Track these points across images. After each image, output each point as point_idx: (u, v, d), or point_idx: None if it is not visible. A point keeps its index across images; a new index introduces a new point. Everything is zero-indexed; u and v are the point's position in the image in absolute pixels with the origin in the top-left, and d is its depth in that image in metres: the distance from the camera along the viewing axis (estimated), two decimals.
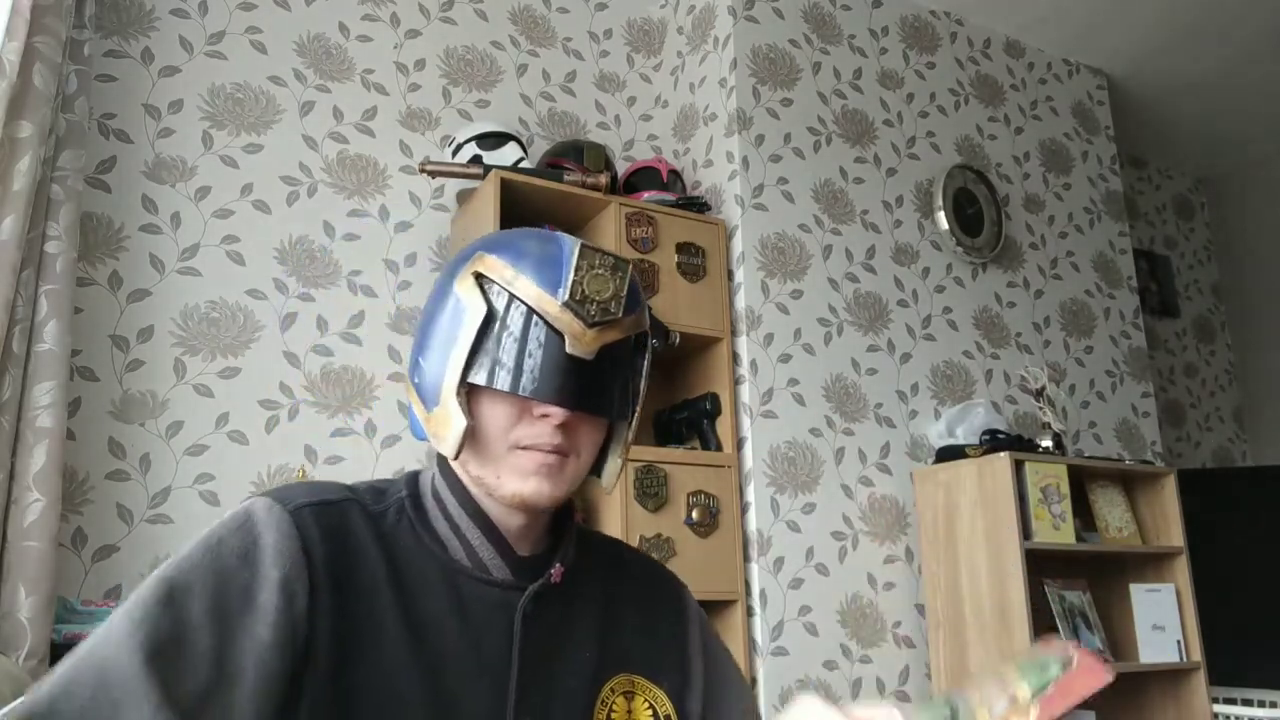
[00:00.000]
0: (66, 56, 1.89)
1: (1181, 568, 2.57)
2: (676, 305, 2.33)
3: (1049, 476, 2.36)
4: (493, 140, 2.32)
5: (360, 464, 2.17)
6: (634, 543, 2.05)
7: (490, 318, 0.75)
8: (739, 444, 2.35)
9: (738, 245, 2.49)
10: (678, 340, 2.27)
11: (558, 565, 0.81)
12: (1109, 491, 2.64)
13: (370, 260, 2.31)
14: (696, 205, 2.49)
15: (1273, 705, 2.77)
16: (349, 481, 0.82)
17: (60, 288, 1.79)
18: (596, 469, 0.84)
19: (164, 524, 1.93)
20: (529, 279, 0.75)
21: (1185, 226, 4.26)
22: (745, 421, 2.35)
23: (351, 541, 0.74)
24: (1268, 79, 3.55)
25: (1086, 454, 2.86)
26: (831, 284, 2.60)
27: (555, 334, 0.74)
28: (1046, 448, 2.54)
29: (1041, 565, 2.38)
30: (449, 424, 0.76)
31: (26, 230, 1.74)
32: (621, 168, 2.64)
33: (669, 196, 2.46)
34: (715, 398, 2.34)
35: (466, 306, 0.76)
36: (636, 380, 0.83)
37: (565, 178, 2.28)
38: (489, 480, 0.77)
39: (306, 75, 2.34)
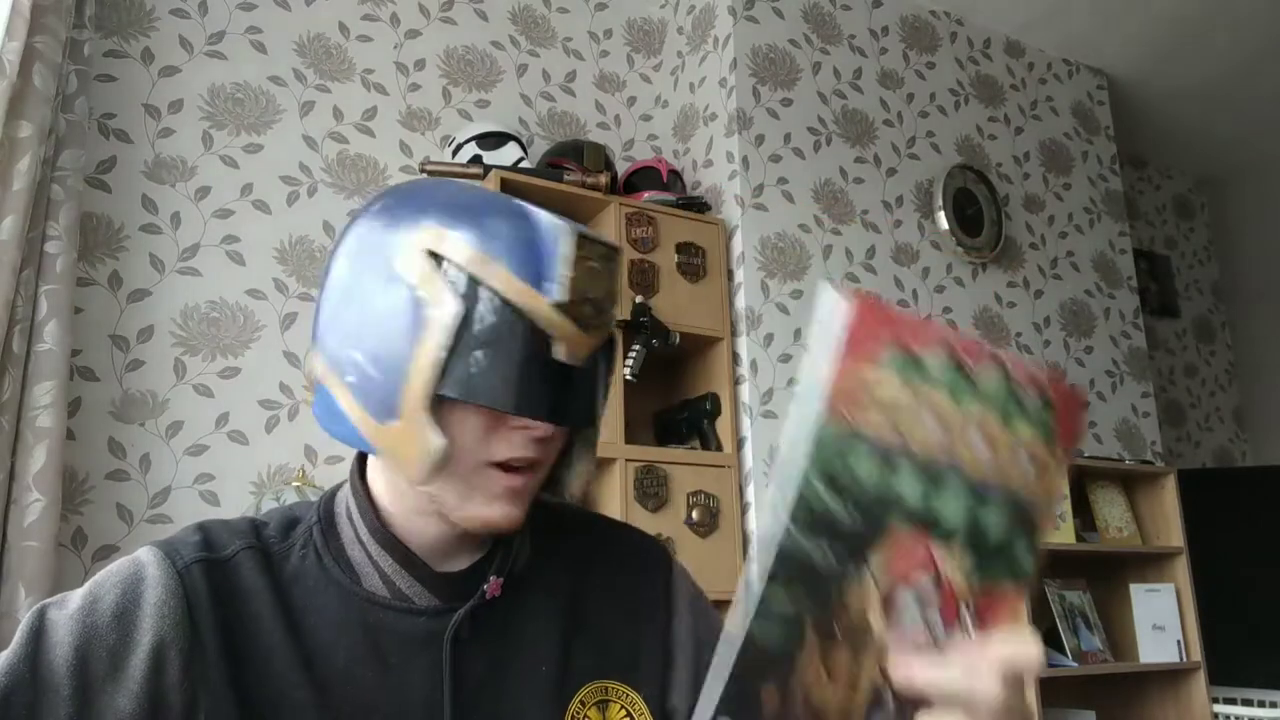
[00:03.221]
0: (66, 56, 1.89)
1: (1181, 568, 2.57)
2: (676, 305, 2.33)
3: None
4: (493, 140, 2.32)
5: None
6: None
7: (463, 317, 0.62)
8: (739, 444, 2.34)
9: (738, 245, 2.49)
10: (678, 340, 2.27)
11: (493, 579, 0.71)
12: (1109, 491, 2.64)
13: None
14: (696, 205, 2.49)
15: (1273, 705, 2.77)
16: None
17: (60, 288, 1.79)
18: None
19: (164, 524, 1.93)
20: (505, 268, 0.61)
21: (1185, 226, 4.26)
22: (745, 421, 2.35)
23: (244, 604, 0.66)
24: (1268, 79, 3.55)
25: (1086, 454, 2.86)
26: (832, 285, 2.60)
27: (536, 335, 0.62)
28: None
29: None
30: (415, 443, 0.63)
31: (26, 230, 1.74)
32: (621, 168, 2.63)
33: (669, 196, 2.46)
34: (715, 398, 2.34)
35: (429, 299, 0.61)
36: (609, 379, 0.70)
37: (565, 178, 2.28)
38: (447, 500, 0.66)
39: (306, 75, 2.33)
